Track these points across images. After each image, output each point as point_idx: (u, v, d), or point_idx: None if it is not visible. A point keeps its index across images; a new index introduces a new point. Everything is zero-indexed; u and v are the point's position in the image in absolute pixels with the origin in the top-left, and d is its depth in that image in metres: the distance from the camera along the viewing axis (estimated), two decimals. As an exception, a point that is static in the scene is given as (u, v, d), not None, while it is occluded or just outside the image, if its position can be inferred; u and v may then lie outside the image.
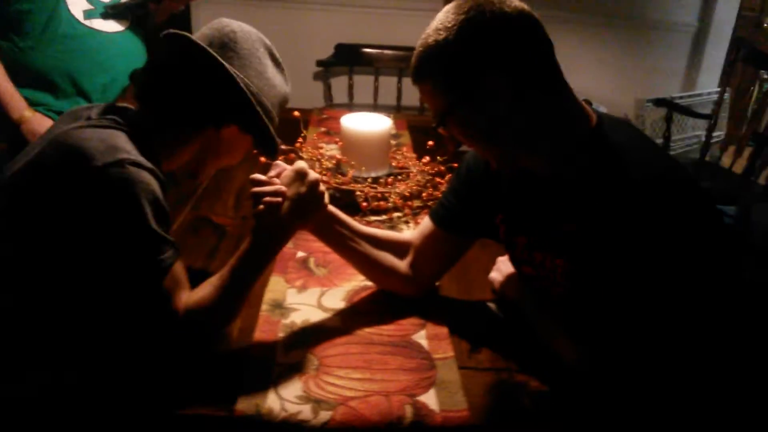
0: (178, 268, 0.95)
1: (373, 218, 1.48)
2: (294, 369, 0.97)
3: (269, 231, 1.01)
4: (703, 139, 2.79)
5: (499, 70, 0.88)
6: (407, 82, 2.80)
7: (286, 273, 1.24)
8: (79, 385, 0.90)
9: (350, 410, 0.89)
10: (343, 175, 1.57)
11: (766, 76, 3.50)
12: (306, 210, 1.04)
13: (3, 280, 0.94)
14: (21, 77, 1.68)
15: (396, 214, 1.50)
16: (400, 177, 1.64)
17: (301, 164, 1.05)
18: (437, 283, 1.22)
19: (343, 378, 0.96)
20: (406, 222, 1.48)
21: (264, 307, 1.12)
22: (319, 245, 1.18)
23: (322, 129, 2.06)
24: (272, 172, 1.05)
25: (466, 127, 0.94)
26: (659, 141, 2.77)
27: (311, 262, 1.29)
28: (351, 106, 2.83)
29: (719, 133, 3.15)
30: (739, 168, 2.65)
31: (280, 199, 1.01)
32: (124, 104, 1.06)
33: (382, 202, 1.52)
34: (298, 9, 3.22)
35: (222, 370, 0.96)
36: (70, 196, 0.89)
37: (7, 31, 1.66)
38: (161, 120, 1.03)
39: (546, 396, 0.94)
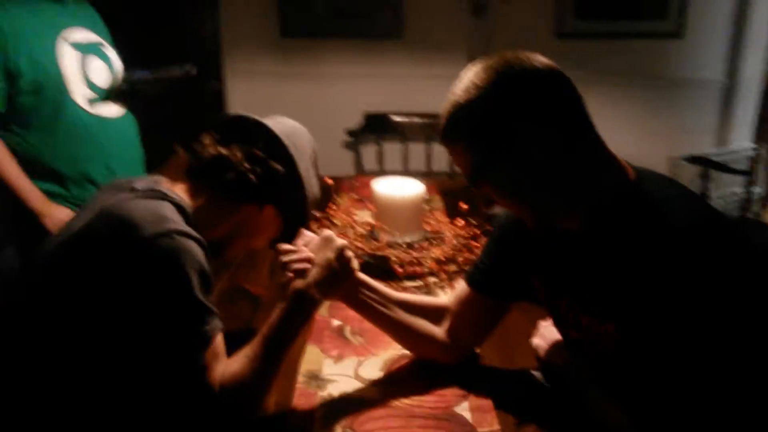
0: (219, 340, 0.94)
1: (408, 284, 1.45)
2: (333, 445, 0.93)
3: (298, 299, 1.00)
4: (742, 195, 2.73)
5: (531, 125, 0.87)
6: (436, 147, 2.86)
7: (321, 343, 1.21)
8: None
9: (393, 490, 0.84)
10: (377, 240, 1.56)
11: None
12: (335, 276, 1.03)
13: (41, 348, 0.94)
14: (32, 170, 1.68)
15: (432, 279, 1.48)
16: (434, 241, 1.62)
17: (327, 232, 1.06)
18: (477, 350, 1.18)
19: (384, 454, 0.91)
20: (442, 287, 1.45)
21: (300, 378, 1.09)
22: (354, 314, 1.16)
23: (354, 196, 2.07)
24: (300, 241, 1.05)
25: (499, 185, 0.93)
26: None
27: (347, 331, 1.26)
28: (381, 173, 2.86)
29: (758, 187, 3.08)
30: (781, 223, 2.58)
31: (308, 265, 1.00)
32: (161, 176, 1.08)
33: (417, 268, 1.49)
34: (326, 80, 3.33)
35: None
36: (118, 265, 0.90)
37: (15, 124, 1.67)
38: (212, 191, 1.05)
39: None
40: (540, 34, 3.22)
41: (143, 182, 1.02)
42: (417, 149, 2.96)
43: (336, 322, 1.29)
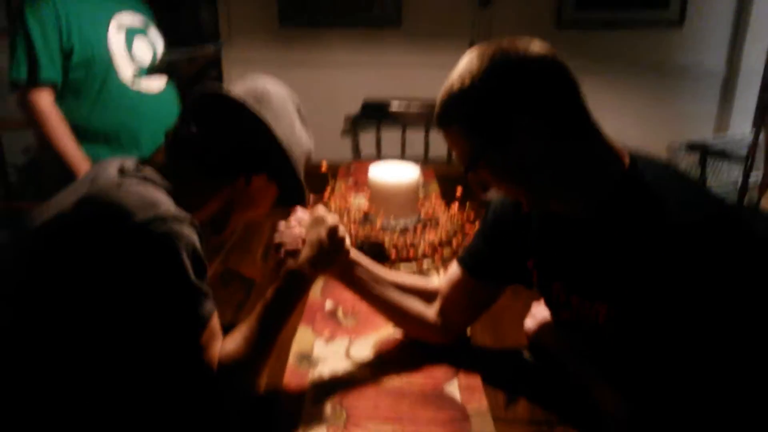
0: (215, 321, 0.94)
1: (403, 267, 1.46)
2: (322, 422, 0.94)
3: (291, 277, 1.01)
4: (740, 182, 2.72)
5: (526, 112, 0.87)
6: (434, 134, 2.85)
7: (313, 324, 1.22)
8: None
9: (380, 465, 0.85)
10: (372, 224, 1.56)
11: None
12: (327, 254, 1.04)
13: (25, 335, 0.94)
14: (84, 135, 1.92)
15: (426, 262, 1.48)
16: (429, 225, 1.62)
17: (319, 210, 1.06)
18: (469, 331, 1.18)
19: (372, 431, 0.92)
20: (436, 269, 1.45)
21: (291, 358, 1.10)
22: (347, 295, 1.16)
23: (351, 181, 2.07)
24: (293, 220, 1.06)
25: (495, 170, 0.93)
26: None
27: (339, 312, 1.27)
28: (379, 159, 2.86)
29: (755, 173, 3.07)
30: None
31: (300, 244, 1.01)
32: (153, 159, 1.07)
33: (411, 250, 1.50)
34: (325, 68, 3.33)
35: (249, 422, 0.94)
36: (108, 252, 0.89)
37: (68, 96, 1.91)
38: (194, 171, 1.04)
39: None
40: (540, 23, 3.22)
41: (132, 165, 1.02)
42: (416, 136, 2.96)
43: (329, 304, 1.29)
